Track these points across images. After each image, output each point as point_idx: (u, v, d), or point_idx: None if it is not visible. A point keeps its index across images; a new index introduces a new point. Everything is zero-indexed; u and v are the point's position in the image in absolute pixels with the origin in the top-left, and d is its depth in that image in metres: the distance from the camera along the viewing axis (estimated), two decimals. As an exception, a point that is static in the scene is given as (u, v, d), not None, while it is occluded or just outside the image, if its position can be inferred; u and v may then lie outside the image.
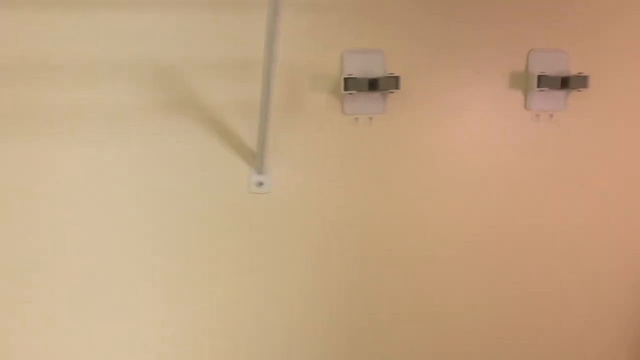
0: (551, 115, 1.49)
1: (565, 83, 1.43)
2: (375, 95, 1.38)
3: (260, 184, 1.36)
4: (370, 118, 1.40)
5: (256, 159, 1.33)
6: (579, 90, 1.46)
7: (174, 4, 1.25)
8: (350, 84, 1.32)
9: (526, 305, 1.56)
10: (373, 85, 1.33)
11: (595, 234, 1.57)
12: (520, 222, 1.52)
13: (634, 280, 1.61)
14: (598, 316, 1.61)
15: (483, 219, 1.49)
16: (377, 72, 1.37)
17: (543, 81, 1.42)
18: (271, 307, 1.41)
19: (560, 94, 1.48)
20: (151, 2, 1.24)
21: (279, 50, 1.10)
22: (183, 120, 1.30)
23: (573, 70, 1.47)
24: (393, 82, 1.34)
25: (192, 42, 1.27)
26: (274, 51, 1.09)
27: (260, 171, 1.34)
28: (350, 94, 1.34)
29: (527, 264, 1.54)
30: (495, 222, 1.50)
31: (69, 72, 1.22)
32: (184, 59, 1.27)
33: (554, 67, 1.46)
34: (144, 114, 1.27)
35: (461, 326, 1.53)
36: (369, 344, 1.48)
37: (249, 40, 1.26)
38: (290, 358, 1.43)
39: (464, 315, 1.52)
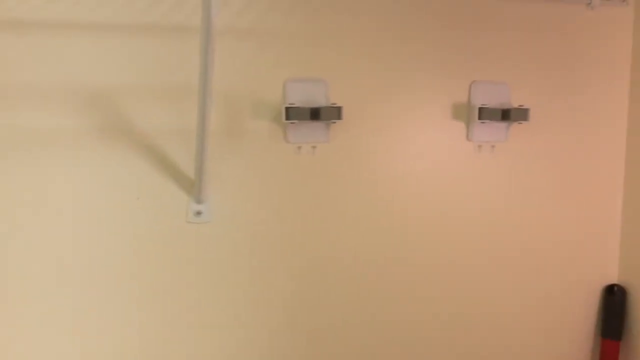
0: (493, 147, 1.51)
1: (506, 115, 1.44)
2: (319, 124, 1.37)
3: (199, 213, 1.32)
4: (314, 147, 1.39)
5: (194, 187, 1.29)
6: (519, 123, 1.48)
7: (110, 30, 1.22)
8: (291, 113, 1.30)
9: (466, 333, 1.55)
10: (315, 114, 1.32)
11: (537, 258, 1.58)
12: (463, 249, 1.52)
13: (572, 304, 1.63)
14: (543, 337, 1.62)
15: (426, 247, 1.49)
16: (319, 101, 1.36)
17: (484, 113, 1.43)
18: (209, 339, 1.36)
19: (502, 125, 1.50)
20: (86, 28, 1.21)
21: (213, 78, 1.08)
22: (118, 147, 1.26)
23: (514, 102, 1.49)
24: (335, 113, 1.33)
25: (128, 68, 1.24)
26: (207, 78, 1.07)
27: (198, 200, 1.31)
28: (292, 123, 1.32)
29: (469, 289, 1.54)
30: (437, 250, 1.50)
31: (1, 97, 1.17)
32: (120, 85, 1.24)
33: (496, 99, 1.48)
34: (77, 140, 1.23)
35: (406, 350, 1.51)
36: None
37: (187, 67, 1.24)
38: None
39: (409, 340, 1.51)
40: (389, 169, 1.44)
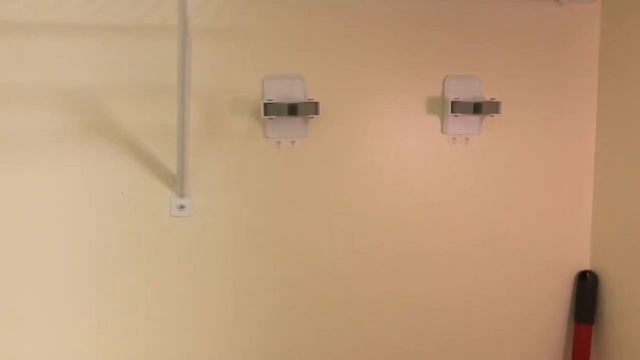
0: (467, 139, 1.56)
1: (477, 108, 1.49)
2: (297, 119, 1.42)
3: (182, 207, 1.37)
4: (293, 142, 1.43)
5: (177, 182, 1.34)
6: (492, 115, 1.53)
7: (91, 31, 1.26)
8: (270, 109, 1.35)
9: (442, 322, 1.61)
10: (293, 110, 1.37)
11: (510, 247, 1.63)
12: (439, 239, 1.57)
13: (546, 290, 1.68)
14: (518, 323, 1.67)
15: (402, 239, 1.54)
16: (297, 97, 1.40)
17: (456, 107, 1.48)
18: (192, 332, 1.41)
19: (475, 118, 1.55)
20: (66, 28, 1.25)
21: (190, 76, 1.12)
22: (101, 145, 1.30)
23: (487, 96, 1.54)
24: (312, 108, 1.38)
25: (108, 67, 1.28)
26: (186, 77, 1.11)
27: (181, 194, 1.35)
28: (271, 118, 1.37)
29: (444, 278, 1.59)
30: (414, 241, 1.55)
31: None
32: (101, 85, 1.28)
33: (468, 93, 1.53)
34: (60, 138, 1.27)
35: (382, 341, 1.56)
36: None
37: (166, 66, 1.28)
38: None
39: (384, 329, 1.56)
40: (366, 162, 1.49)
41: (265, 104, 1.35)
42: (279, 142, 1.42)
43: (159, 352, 1.39)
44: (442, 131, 1.54)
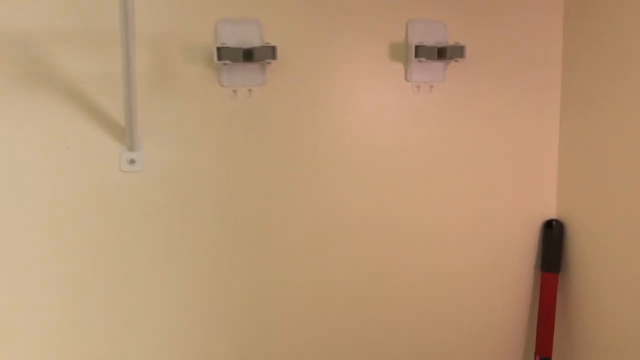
0: (431, 87, 1.51)
1: (442, 53, 1.44)
2: (254, 66, 1.34)
3: (132, 161, 1.28)
4: (250, 90, 1.36)
5: (126, 135, 1.25)
6: (456, 61, 1.47)
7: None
8: (223, 53, 1.27)
9: (408, 271, 1.58)
10: (249, 55, 1.29)
11: (476, 196, 1.61)
12: (404, 188, 1.53)
13: (512, 240, 1.67)
14: (486, 272, 1.66)
15: (366, 189, 1.49)
16: (253, 42, 1.32)
17: (420, 51, 1.43)
18: (145, 295, 1.34)
19: (439, 65, 1.50)
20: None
21: (134, 17, 1.03)
22: (42, 96, 1.20)
23: (451, 40, 1.49)
24: (270, 52, 1.30)
25: (47, 13, 1.17)
26: (129, 20, 1.03)
27: (131, 148, 1.27)
28: (225, 64, 1.29)
29: (408, 230, 1.55)
30: (378, 191, 1.50)
31: None
32: (40, 31, 1.17)
33: (432, 38, 1.47)
34: (-3, 88, 1.17)
35: (335, 310, 1.53)
36: (252, 335, 1.44)
37: (109, 9, 1.18)
38: (165, 345, 1.37)
39: (342, 297, 1.52)
40: (328, 112, 1.43)
41: (218, 48, 1.26)
42: (235, 91, 1.34)
43: (111, 316, 1.31)
44: (406, 79, 1.48)
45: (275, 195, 1.41)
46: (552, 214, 1.70)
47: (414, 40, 1.45)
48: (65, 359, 1.28)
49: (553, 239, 1.67)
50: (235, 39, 1.31)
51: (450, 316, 1.63)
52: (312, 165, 1.43)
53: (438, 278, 1.60)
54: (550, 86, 1.63)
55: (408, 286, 1.57)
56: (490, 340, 1.67)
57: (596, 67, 1.53)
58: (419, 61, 1.44)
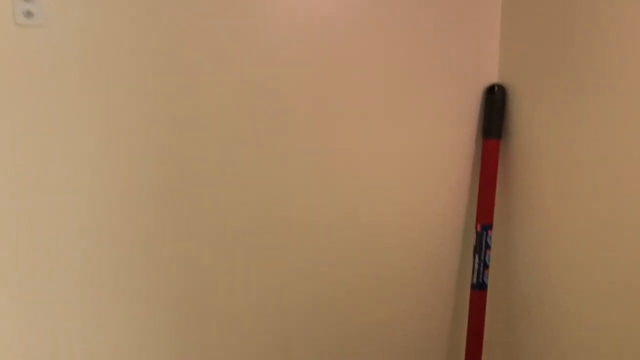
0: None
1: None
2: None
3: (29, 13, 1.13)
4: None
5: (17, -21, 1.08)
6: None
7: None
8: None
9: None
10: None
11: (415, 63, 1.53)
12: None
13: (454, 106, 1.62)
14: (429, 137, 1.61)
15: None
16: None
17: None
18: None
19: None
20: None
21: None
22: None
23: None
24: None
25: None
26: None
27: (26, -3, 1.10)
28: None
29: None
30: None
31: None
32: None
33: None
34: None
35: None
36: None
37: None
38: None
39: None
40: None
41: None
42: None
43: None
44: None
45: (198, 52, 1.28)
46: (494, 79, 1.64)
47: None
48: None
49: (495, 104, 1.62)
50: None
51: (391, 190, 1.58)
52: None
53: (380, 150, 1.54)
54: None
55: (352, 166, 1.51)
56: (431, 207, 1.64)
57: None
58: None
